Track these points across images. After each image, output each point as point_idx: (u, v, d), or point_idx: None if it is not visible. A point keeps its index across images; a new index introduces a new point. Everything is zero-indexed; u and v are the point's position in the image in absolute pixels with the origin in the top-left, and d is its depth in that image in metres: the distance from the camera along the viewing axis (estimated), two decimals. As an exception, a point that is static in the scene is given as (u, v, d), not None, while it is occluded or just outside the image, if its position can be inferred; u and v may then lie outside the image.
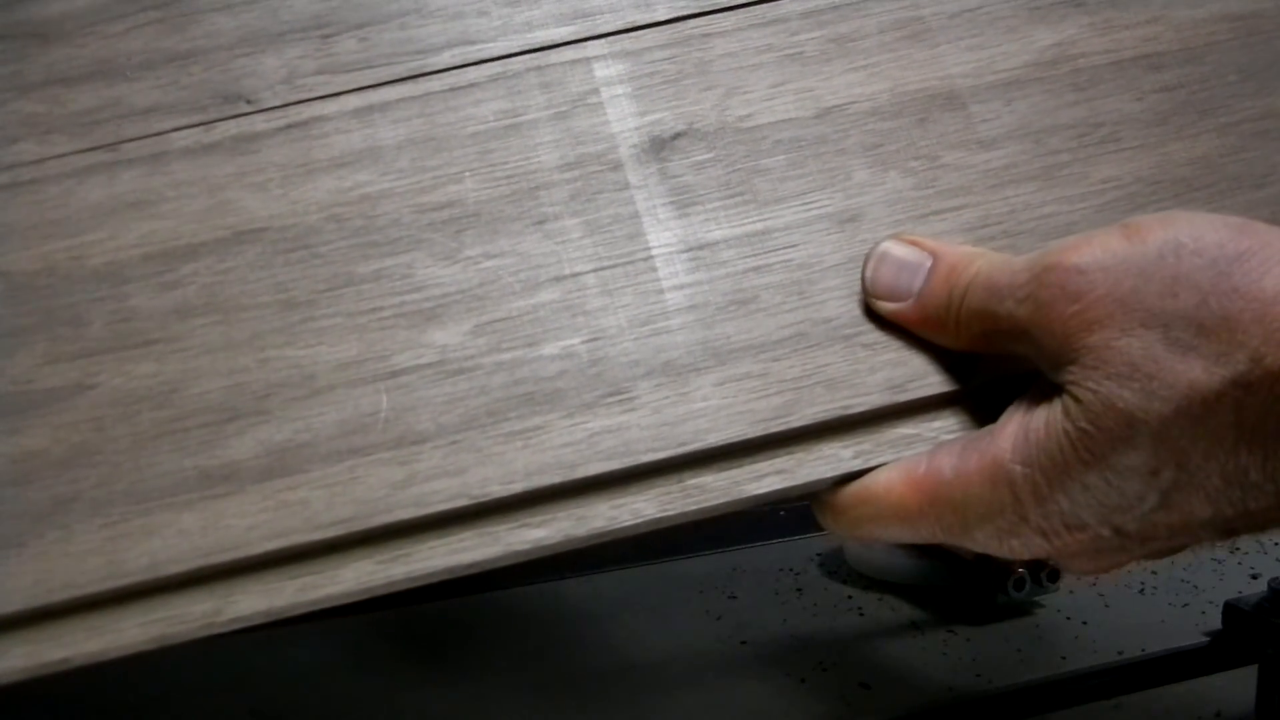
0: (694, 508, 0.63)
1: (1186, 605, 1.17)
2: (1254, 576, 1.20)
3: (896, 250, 0.66)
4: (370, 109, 0.68)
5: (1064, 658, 1.09)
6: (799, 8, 0.72)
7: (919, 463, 0.63)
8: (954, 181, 0.69)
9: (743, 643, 1.12)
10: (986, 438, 0.62)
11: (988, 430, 0.62)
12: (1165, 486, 0.58)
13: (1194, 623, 1.12)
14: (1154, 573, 1.21)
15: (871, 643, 1.12)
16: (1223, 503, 0.59)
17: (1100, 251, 0.59)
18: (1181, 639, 1.07)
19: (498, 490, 0.62)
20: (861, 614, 1.17)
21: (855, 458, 0.64)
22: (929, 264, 0.65)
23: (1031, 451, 0.60)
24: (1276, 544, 1.27)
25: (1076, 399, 0.58)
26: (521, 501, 0.62)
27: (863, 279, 0.66)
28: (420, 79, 0.69)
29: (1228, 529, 0.60)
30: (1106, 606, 1.16)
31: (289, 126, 0.67)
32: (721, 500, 0.63)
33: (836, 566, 1.25)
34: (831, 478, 0.64)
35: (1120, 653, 1.08)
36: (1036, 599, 1.16)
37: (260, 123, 0.67)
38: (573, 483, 0.62)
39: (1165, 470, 0.58)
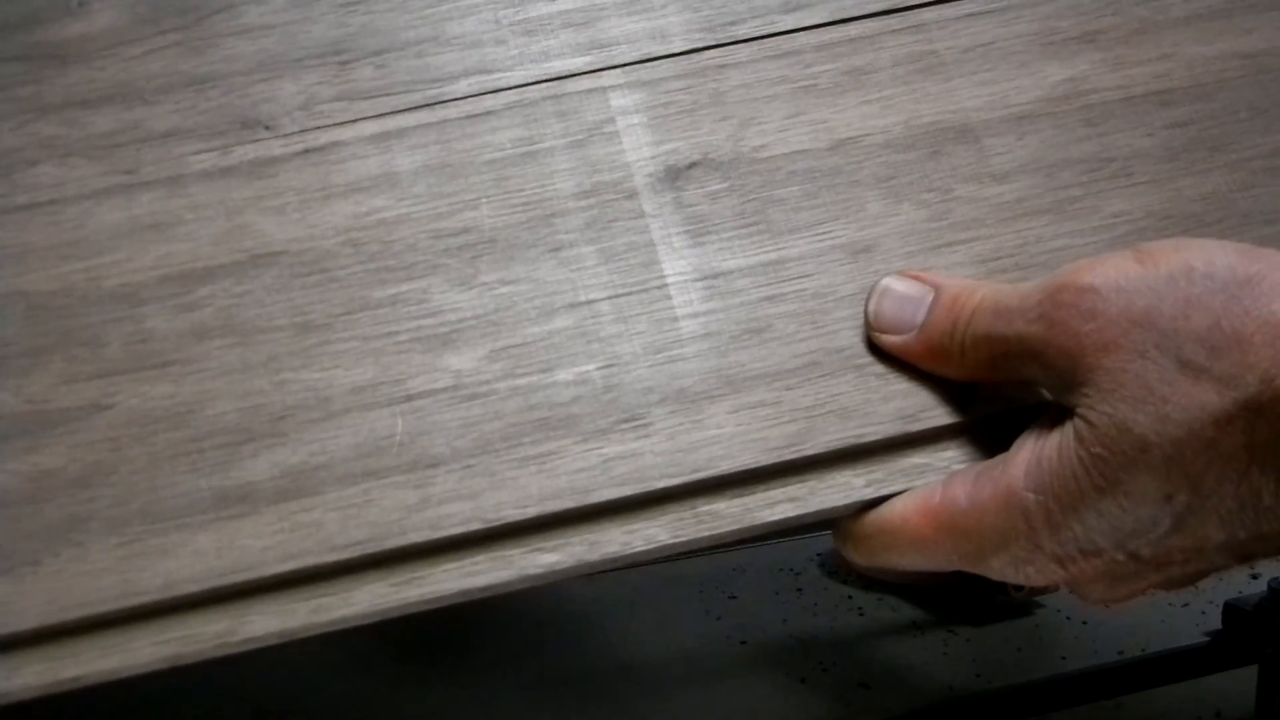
0: (706, 534, 0.64)
1: (1186, 605, 1.17)
2: (1254, 576, 1.20)
3: (898, 285, 0.66)
4: (387, 135, 0.68)
5: (1064, 658, 1.09)
6: (813, 40, 0.72)
7: (934, 492, 0.64)
8: (967, 214, 0.69)
9: (743, 643, 1.12)
10: (1000, 466, 0.62)
11: (1001, 459, 0.63)
12: (1179, 510, 0.59)
13: (1194, 623, 1.13)
14: (1155, 572, 1.20)
15: (871, 643, 1.12)
16: (1236, 526, 0.59)
17: (1114, 272, 0.59)
18: (1181, 639, 1.07)
19: (512, 514, 0.62)
20: (861, 614, 1.17)
21: (867, 486, 0.65)
22: (931, 297, 0.65)
23: (1045, 478, 0.60)
24: (1277, 545, 1.26)
25: (1089, 423, 0.59)
26: (535, 526, 0.63)
27: (865, 314, 0.67)
28: (437, 106, 0.69)
29: (1243, 554, 0.61)
30: (1106, 606, 1.15)
31: (306, 151, 0.68)
32: (734, 527, 0.64)
33: (836, 566, 1.25)
34: (844, 506, 0.65)
35: (1120, 653, 1.09)
36: (1036, 599, 1.16)
37: (278, 147, 0.68)
38: (586, 508, 0.63)
39: (1179, 494, 0.58)
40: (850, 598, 1.20)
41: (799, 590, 1.22)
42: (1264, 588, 1.02)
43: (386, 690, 1.05)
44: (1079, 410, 0.60)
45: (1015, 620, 1.16)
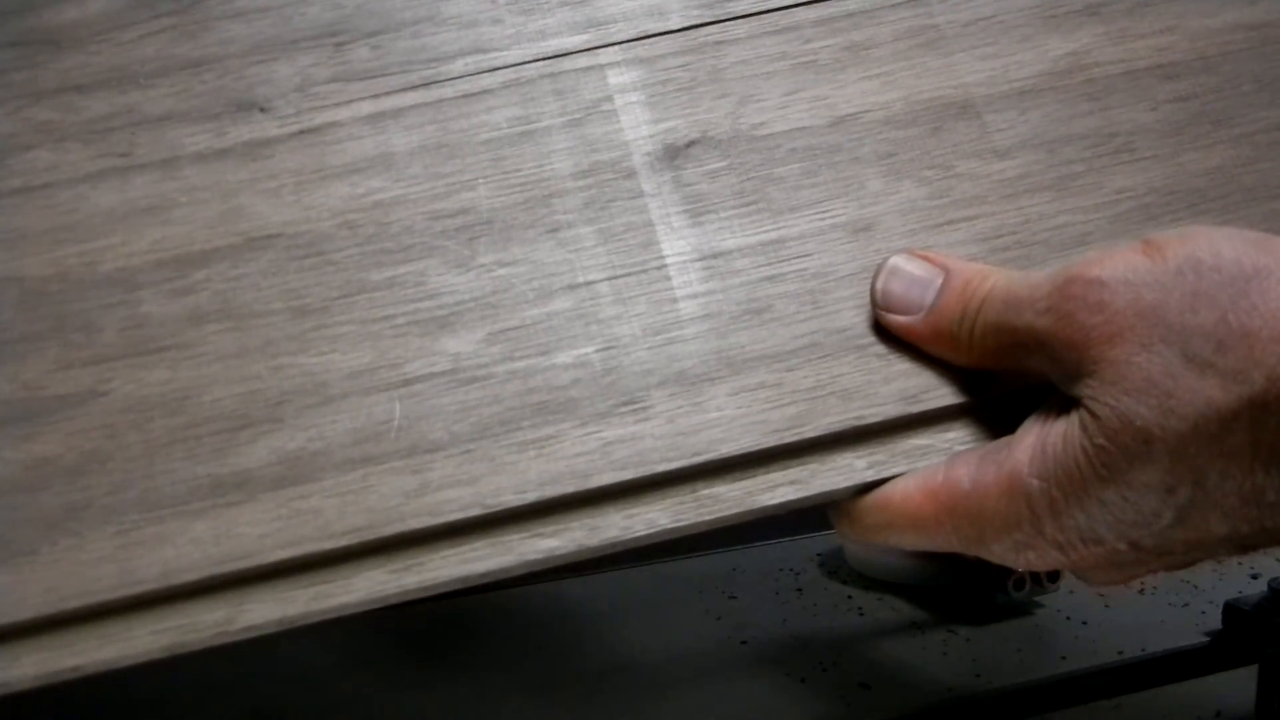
0: (707, 518, 0.63)
1: (1186, 605, 1.16)
2: (1254, 576, 1.20)
3: (907, 265, 0.66)
4: (383, 116, 0.68)
5: (1064, 658, 1.08)
6: (812, 15, 0.72)
7: (936, 473, 0.63)
8: (968, 191, 0.69)
9: (743, 643, 1.11)
10: (1004, 450, 0.62)
11: (1005, 442, 0.62)
12: (1182, 504, 0.58)
13: (1194, 623, 1.12)
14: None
15: (871, 643, 1.12)
16: (1239, 521, 0.59)
17: (1122, 266, 0.59)
18: (1181, 639, 1.07)
19: (511, 500, 0.62)
20: (861, 614, 1.17)
21: (869, 468, 0.64)
22: (941, 279, 0.65)
23: (1048, 466, 0.60)
24: (1277, 545, 1.26)
25: (1093, 414, 0.58)
26: (534, 511, 0.62)
27: (872, 292, 0.66)
28: (433, 86, 0.69)
29: (1245, 545, 0.60)
30: (1106, 606, 1.16)
31: (302, 132, 0.68)
32: (735, 511, 0.63)
33: (836, 566, 1.25)
34: (845, 488, 0.64)
35: (1120, 653, 1.08)
36: (1036, 599, 1.16)
37: (273, 129, 0.68)
38: (586, 492, 0.63)
39: (1182, 488, 0.58)
40: (850, 598, 1.20)
41: (799, 590, 1.21)
42: (1264, 588, 1.02)
43: (386, 690, 1.05)
44: (1084, 401, 0.59)
45: (1015, 620, 1.15)
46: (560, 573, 1.08)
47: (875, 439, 0.65)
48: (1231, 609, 1.03)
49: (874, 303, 0.66)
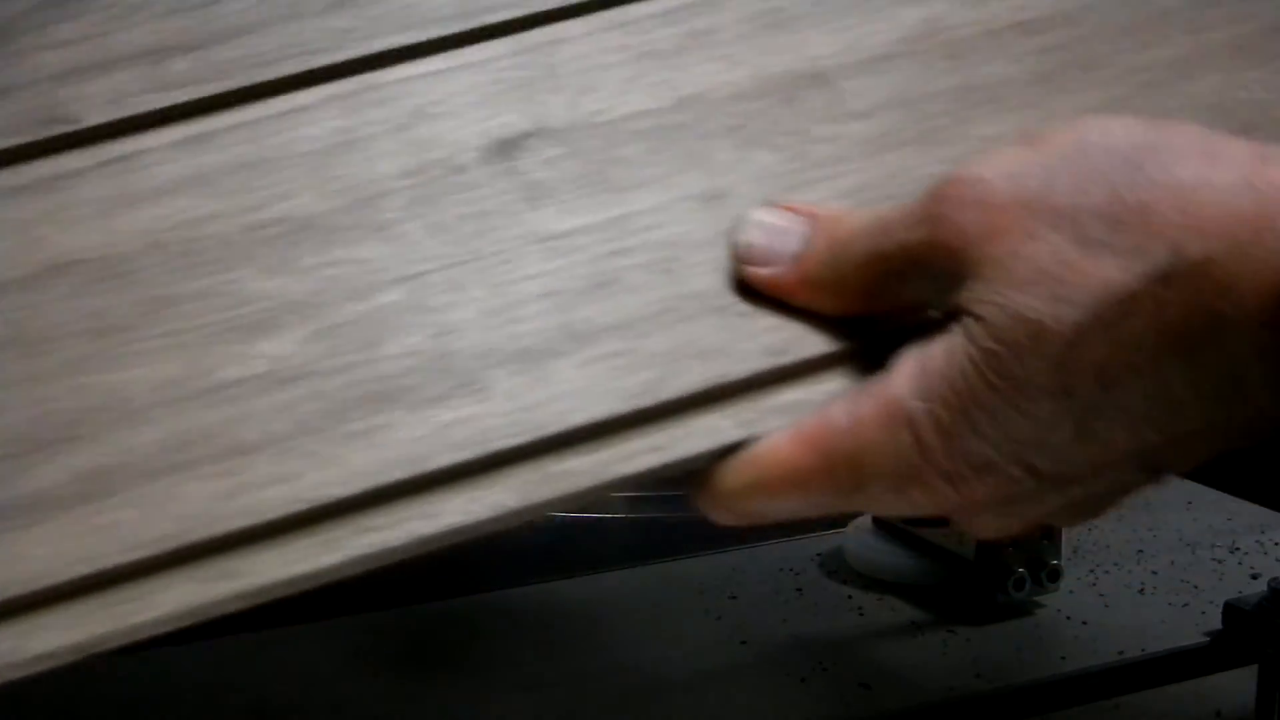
0: (560, 494, 0.47)
1: (1186, 605, 1.01)
2: (1254, 576, 1.04)
3: (769, 217, 0.51)
4: (197, 136, 0.53)
5: (1064, 658, 0.94)
6: (649, 10, 0.57)
7: (808, 418, 0.48)
8: (827, 153, 0.52)
9: (743, 643, 0.97)
10: (881, 381, 0.47)
11: (882, 374, 0.47)
12: (1080, 411, 0.44)
13: (1194, 623, 0.97)
14: (1154, 573, 1.04)
15: (871, 643, 0.98)
16: (1145, 428, 0.45)
17: (1002, 160, 0.46)
18: (1181, 639, 0.92)
19: (335, 491, 0.45)
20: (861, 614, 1.02)
21: (737, 428, 0.48)
22: (806, 226, 0.50)
23: (931, 384, 0.45)
24: (1277, 544, 1.09)
25: (978, 317, 0.44)
26: (363, 502, 0.46)
27: (734, 249, 0.51)
28: (250, 104, 0.55)
29: (1154, 464, 0.46)
30: (1106, 606, 1.01)
31: (108, 162, 0.53)
32: (590, 484, 0.47)
33: (836, 566, 1.09)
34: (712, 451, 0.48)
35: (1120, 653, 0.94)
36: (1036, 599, 1.00)
37: (76, 159, 0.53)
38: (420, 477, 0.46)
39: (1080, 388, 0.44)
40: (850, 598, 1.04)
41: (799, 590, 1.06)
42: (1264, 588, 0.87)
43: (386, 690, 0.90)
44: (966, 306, 0.45)
45: (1015, 620, 1.00)
46: (561, 573, 0.95)
47: (742, 396, 0.49)
48: (1231, 609, 0.88)
49: (736, 259, 0.51)
